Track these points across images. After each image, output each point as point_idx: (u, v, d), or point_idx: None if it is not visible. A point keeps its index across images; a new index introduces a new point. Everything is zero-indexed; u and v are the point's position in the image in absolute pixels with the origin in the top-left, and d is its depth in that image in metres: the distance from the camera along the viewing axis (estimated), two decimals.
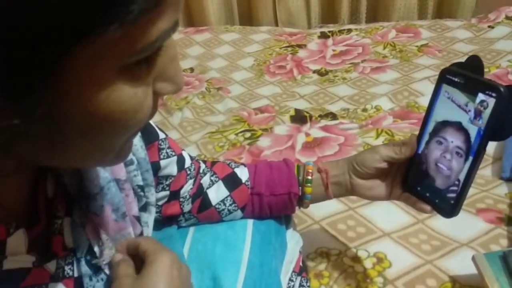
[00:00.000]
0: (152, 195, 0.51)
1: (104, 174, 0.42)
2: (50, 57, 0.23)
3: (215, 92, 1.39)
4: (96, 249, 0.40)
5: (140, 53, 0.25)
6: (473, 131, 0.47)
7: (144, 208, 0.50)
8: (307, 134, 1.10)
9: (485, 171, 0.91)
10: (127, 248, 0.43)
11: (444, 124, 0.51)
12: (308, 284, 0.65)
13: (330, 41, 1.62)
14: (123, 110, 0.27)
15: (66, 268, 0.38)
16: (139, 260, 0.41)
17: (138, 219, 0.47)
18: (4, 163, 0.30)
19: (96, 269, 0.41)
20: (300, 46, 1.63)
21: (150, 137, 0.53)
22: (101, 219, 0.41)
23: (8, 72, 0.22)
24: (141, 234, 0.48)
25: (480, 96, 0.46)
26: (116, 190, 0.43)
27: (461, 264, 0.69)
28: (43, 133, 0.26)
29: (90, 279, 0.39)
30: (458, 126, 0.49)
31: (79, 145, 0.28)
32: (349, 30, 1.67)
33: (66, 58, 0.23)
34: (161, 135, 0.55)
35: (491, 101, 0.45)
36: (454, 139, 0.50)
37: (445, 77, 0.50)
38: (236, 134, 1.13)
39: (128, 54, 0.25)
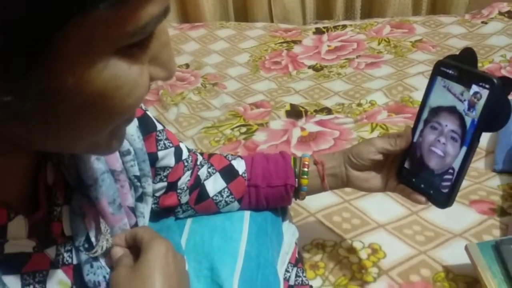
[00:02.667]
0: (149, 186, 0.52)
1: (98, 165, 0.42)
2: (41, 35, 0.23)
3: (210, 88, 1.39)
4: (93, 239, 0.41)
5: (131, 36, 0.25)
6: (467, 119, 0.48)
7: (140, 198, 0.51)
8: (303, 129, 1.11)
9: (478, 163, 0.93)
10: (125, 240, 0.44)
11: (439, 110, 0.51)
12: (304, 274, 0.66)
13: (325, 37, 1.63)
14: (118, 85, 0.27)
15: (65, 255, 0.38)
16: (138, 250, 0.42)
17: (133, 210, 0.48)
18: (3, 146, 0.30)
19: (96, 257, 0.41)
20: (295, 42, 1.63)
21: (147, 127, 0.53)
22: (99, 210, 0.42)
23: None
24: (136, 224, 0.48)
25: (474, 88, 0.47)
26: (111, 181, 0.44)
27: (455, 254, 0.71)
28: (37, 112, 0.26)
29: (91, 266, 0.40)
30: (453, 110, 0.50)
31: (72, 126, 0.28)
32: (344, 26, 1.68)
33: (57, 37, 0.23)
34: (159, 127, 0.55)
35: (485, 93, 0.46)
36: (448, 123, 0.50)
37: (439, 69, 0.51)
38: (232, 129, 1.14)
39: (119, 37, 0.25)
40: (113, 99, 0.27)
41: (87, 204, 0.41)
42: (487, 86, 0.46)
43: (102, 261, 0.42)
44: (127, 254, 0.43)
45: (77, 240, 0.40)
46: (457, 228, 0.77)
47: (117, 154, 0.46)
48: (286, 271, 0.63)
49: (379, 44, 1.53)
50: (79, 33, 0.23)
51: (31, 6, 0.21)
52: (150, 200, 0.52)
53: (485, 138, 0.98)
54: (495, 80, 0.45)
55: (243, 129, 1.14)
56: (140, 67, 0.28)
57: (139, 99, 0.29)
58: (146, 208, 0.51)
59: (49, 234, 0.38)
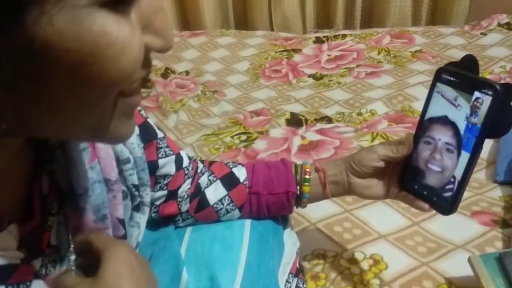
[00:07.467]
0: (147, 195, 0.51)
1: (91, 174, 0.41)
2: None
3: (210, 95, 1.39)
4: None
5: None
6: (462, 124, 0.48)
7: (137, 207, 0.50)
8: (303, 137, 1.11)
9: (480, 174, 0.92)
10: (81, 245, 0.40)
11: (431, 121, 0.51)
12: (304, 285, 0.65)
13: (325, 46, 1.63)
14: (108, 43, 0.25)
15: (49, 265, 0.38)
16: (92, 256, 0.39)
17: (122, 222, 0.46)
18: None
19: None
20: (295, 50, 1.64)
21: (148, 135, 0.52)
22: (81, 220, 0.41)
23: None
24: (124, 236, 0.46)
25: (476, 94, 0.47)
26: (102, 191, 0.42)
27: (457, 266, 0.70)
28: (25, 81, 0.24)
29: None
30: (445, 121, 0.49)
31: (66, 99, 0.26)
32: (344, 36, 1.69)
33: None
34: (160, 134, 0.55)
35: (487, 99, 0.46)
36: (441, 136, 0.50)
37: (440, 76, 0.50)
38: (232, 137, 1.13)
39: None
40: (105, 59, 0.25)
41: (72, 214, 0.40)
42: (489, 92, 0.45)
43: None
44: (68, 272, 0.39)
45: (63, 249, 0.39)
46: (459, 240, 0.76)
47: (113, 163, 0.45)
48: (287, 281, 0.62)
49: (379, 53, 1.53)
50: None
51: None
52: (147, 210, 0.51)
53: (486, 149, 0.98)
54: (497, 87, 0.45)
55: (243, 137, 1.13)
56: (131, 26, 0.26)
57: (133, 63, 0.27)
58: (142, 218, 0.50)
59: (40, 244, 0.37)
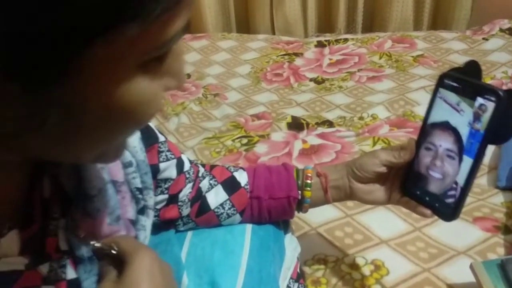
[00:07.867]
0: (151, 198, 0.50)
1: (103, 175, 0.41)
2: (69, 51, 0.23)
3: (212, 98, 1.39)
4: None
5: (158, 51, 0.26)
6: (464, 130, 0.48)
7: (142, 211, 0.49)
8: (304, 141, 1.10)
9: (481, 180, 0.92)
10: (106, 247, 0.41)
11: (433, 127, 0.51)
12: None
13: (326, 50, 1.63)
14: (140, 101, 0.27)
15: (59, 270, 0.37)
16: (120, 260, 0.39)
17: (133, 222, 0.46)
18: (8, 157, 0.29)
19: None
20: (297, 54, 1.64)
21: (150, 139, 0.52)
22: (96, 223, 0.40)
23: (26, 64, 0.22)
24: (136, 238, 0.47)
25: (479, 100, 0.46)
26: (113, 192, 0.42)
27: (459, 272, 0.69)
28: (58, 125, 0.26)
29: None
30: (447, 126, 0.49)
31: (90, 138, 0.29)
32: (346, 40, 1.68)
33: (85, 53, 0.23)
34: (161, 138, 0.54)
35: (491, 105, 0.45)
36: (442, 142, 0.50)
37: (443, 82, 0.50)
38: (233, 140, 1.13)
39: (146, 51, 0.26)
40: (134, 114, 0.28)
41: (82, 217, 0.40)
42: (493, 98, 0.45)
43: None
44: (111, 269, 0.40)
45: (79, 252, 0.38)
46: (461, 246, 0.76)
47: (119, 164, 0.45)
48: (288, 286, 0.62)
49: (380, 58, 1.53)
50: (107, 51, 0.24)
51: (60, 23, 0.22)
52: (151, 213, 0.51)
53: (488, 154, 0.98)
54: (501, 93, 0.45)
55: (244, 141, 1.13)
56: (158, 82, 0.28)
57: (156, 112, 0.30)
58: (147, 221, 0.50)
59: (43, 249, 0.36)
